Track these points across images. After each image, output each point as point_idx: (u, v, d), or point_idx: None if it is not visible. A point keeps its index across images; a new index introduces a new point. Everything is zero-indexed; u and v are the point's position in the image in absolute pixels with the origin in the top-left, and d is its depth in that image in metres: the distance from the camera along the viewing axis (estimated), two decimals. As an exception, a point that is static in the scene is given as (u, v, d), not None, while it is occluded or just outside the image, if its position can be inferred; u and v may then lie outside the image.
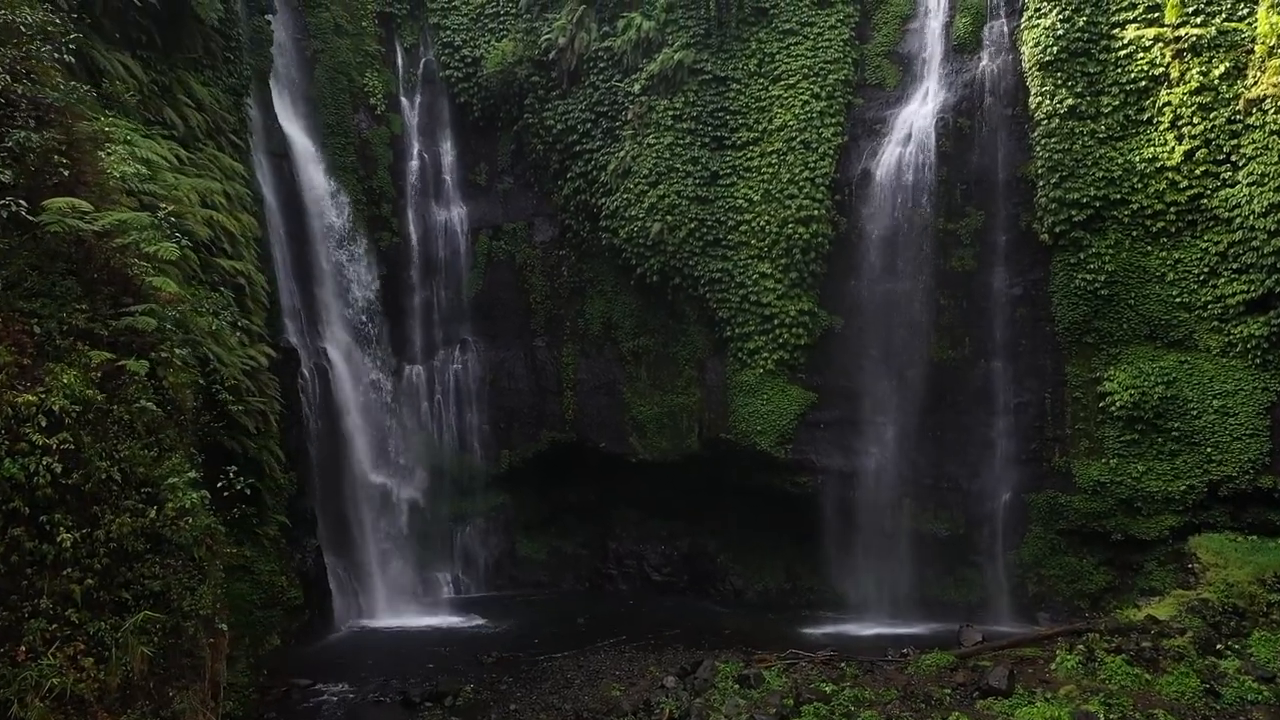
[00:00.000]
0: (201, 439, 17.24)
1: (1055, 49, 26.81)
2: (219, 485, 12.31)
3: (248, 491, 12.77)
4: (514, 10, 33.49)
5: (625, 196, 30.93)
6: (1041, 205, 27.19)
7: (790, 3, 30.32)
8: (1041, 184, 27.16)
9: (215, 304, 18.01)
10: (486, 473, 33.78)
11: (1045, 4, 27.23)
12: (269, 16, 29.50)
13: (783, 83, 30.11)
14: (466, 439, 33.80)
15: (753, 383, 29.98)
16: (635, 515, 33.79)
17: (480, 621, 28.71)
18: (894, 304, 29.06)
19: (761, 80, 30.39)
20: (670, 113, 30.64)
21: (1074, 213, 26.70)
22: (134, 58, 20.82)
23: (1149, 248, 26.41)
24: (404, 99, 34.41)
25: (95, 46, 19.32)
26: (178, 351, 11.98)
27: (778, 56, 30.26)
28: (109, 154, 13.15)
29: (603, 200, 31.61)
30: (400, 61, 34.42)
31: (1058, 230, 26.97)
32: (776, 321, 29.57)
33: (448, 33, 34.12)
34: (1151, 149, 26.07)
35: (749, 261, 29.82)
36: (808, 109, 29.63)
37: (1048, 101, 27.02)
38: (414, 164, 34.36)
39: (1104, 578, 27.05)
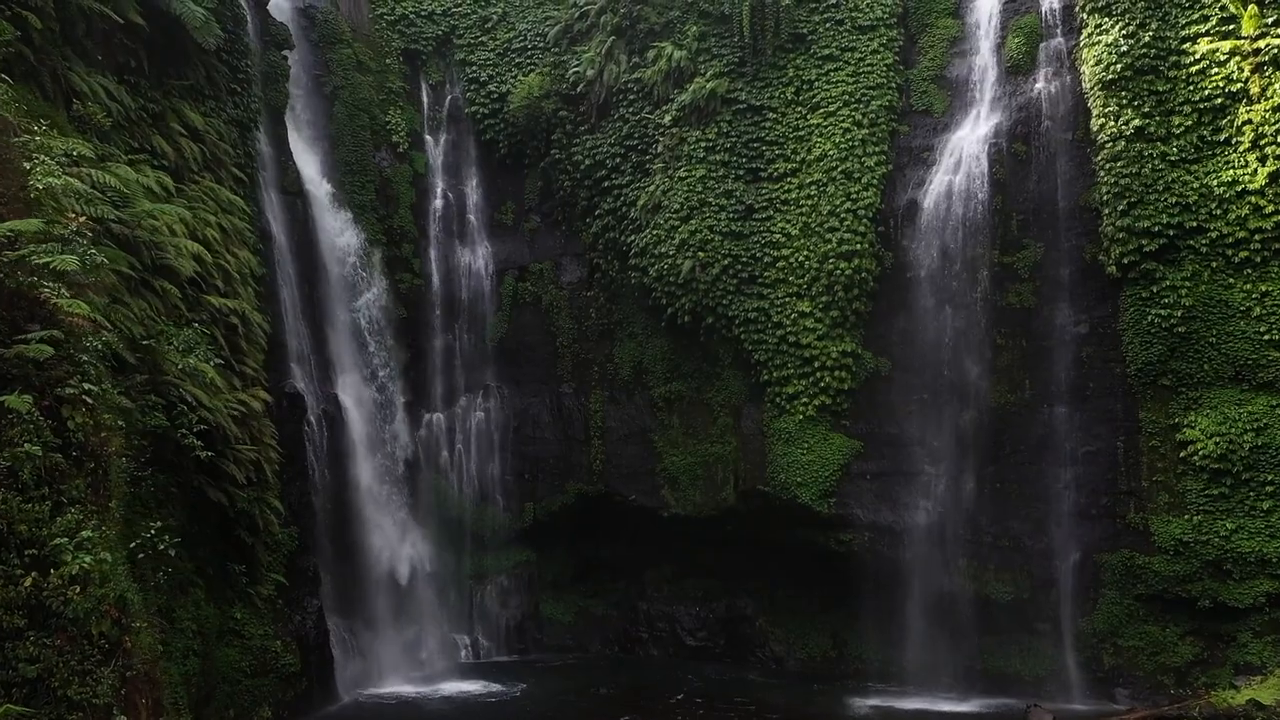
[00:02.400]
0: (171, 491, 15.59)
1: (1119, 66, 24.72)
2: (132, 545, 10.41)
3: (171, 553, 10.91)
4: (541, 45, 32.41)
5: (655, 233, 29.15)
6: (1108, 235, 24.94)
7: (830, 28, 28.64)
8: (1107, 212, 24.92)
9: (188, 340, 16.36)
10: (509, 527, 31.70)
11: (1107, 19, 25.20)
12: (285, 52, 28.50)
13: (822, 110, 28.30)
14: (488, 490, 31.82)
15: (792, 430, 27.72)
16: (668, 573, 31.44)
17: (496, 689, 26.57)
18: (945, 344, 26.88)
19: (799, 108, 28.63)
20: (703, 144, 28.97)
21: (1144, 242, 24.34)
22: (120, 83, 19.57)
23: (1231, 279, 23.89)
24: (428, 136, 33.18)
25: (74, 68, 18.10)
26: (89, 387, 10.20)
27: (816, 83, 28.50)
28: (34, 166, 11.61)
29: (632, 237, 29.88)
30: (425, 98, 33.31)
31: (1126, 262, 24.63)
32: (817, 364, 27.41)
33: (474, 69, 33.00)
34: (1231, 171, 23.74)
35: (787, 300, 27.79)
36: (849, 137, 27.78)
37: (1112, 123, 24.88)
38: (438, 203, 33.01)
39: (1191, 650, 24.09)
